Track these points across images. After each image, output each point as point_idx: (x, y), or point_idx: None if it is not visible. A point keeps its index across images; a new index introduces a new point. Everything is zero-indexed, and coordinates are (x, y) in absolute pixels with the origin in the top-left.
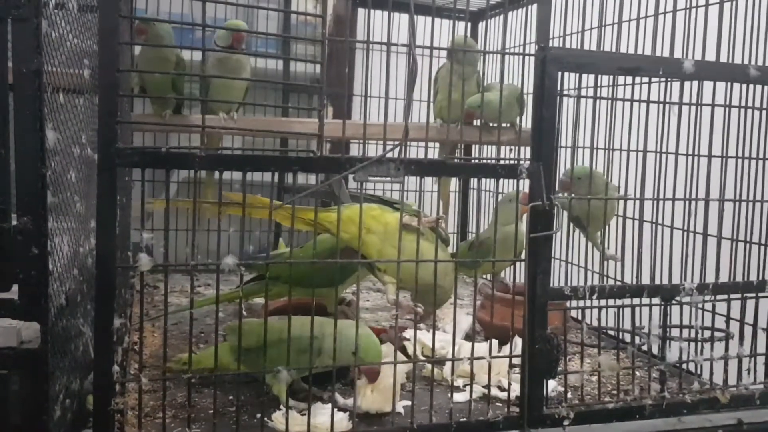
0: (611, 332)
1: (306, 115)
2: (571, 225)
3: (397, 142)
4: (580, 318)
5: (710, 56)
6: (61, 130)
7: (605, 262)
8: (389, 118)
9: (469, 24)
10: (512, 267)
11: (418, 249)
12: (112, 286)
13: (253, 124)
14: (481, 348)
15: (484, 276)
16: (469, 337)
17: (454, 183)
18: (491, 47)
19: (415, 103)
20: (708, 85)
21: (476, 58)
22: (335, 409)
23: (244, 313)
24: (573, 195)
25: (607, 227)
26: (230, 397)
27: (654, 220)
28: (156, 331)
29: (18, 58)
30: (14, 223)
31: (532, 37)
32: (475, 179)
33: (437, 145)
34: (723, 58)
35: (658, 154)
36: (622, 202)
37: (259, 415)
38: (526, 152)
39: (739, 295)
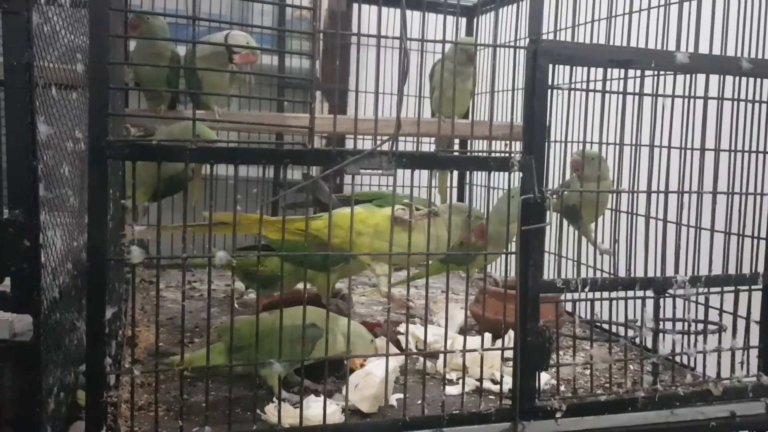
0: (604, 325)
1: (301, 111)
2: (563, 220)
3: (387, 138)
4: (573, 310)
5: (703, 50)
6: (54, 124)
7: (598, 256)
8: (383, 114)
9: (464, 20)
10: (505, 260)
11: (410, 242)
12: (104, 278)
13: (246, 119)
14: (474, 341)
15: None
16: (463, 331)
17: (449, 181)
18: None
19: (409, 98)
20: (701, 79)
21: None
22: (327, 402)
23: (237, 306)
24: (582, 174)
25: (600, 218)
26: (224, 388)
27: (647, 214)
28: (151, 326)
29: (8, 51)
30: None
31: (524, 33)
32: (475, 179)
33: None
34: (715, 52)
35: (650, 148)
36: (615, 195)
37: (251, 409)
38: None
39: (732, 288)
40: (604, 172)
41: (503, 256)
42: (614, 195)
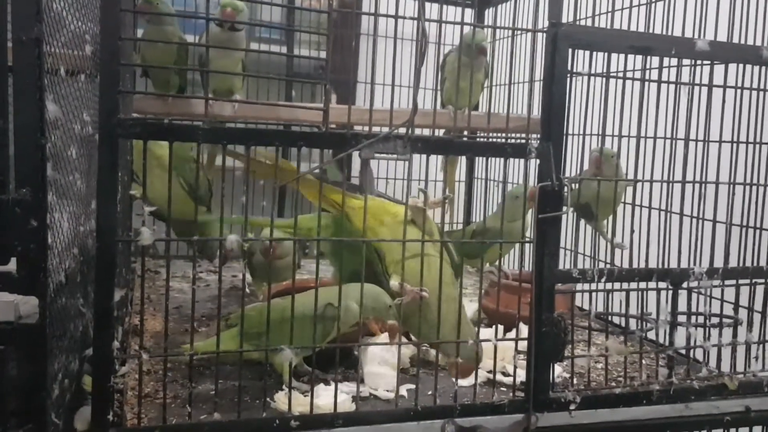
0: (615, 318)
1: (309, 102)
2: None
3: (403, 122)
4: (588, 302)
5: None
6: (62, 104)
7: (613, 250)
8: (395, 105)
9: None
10: (519, 252)
11: (424, 228)
12: (113, 259)
13: (257, 108)
14: (487, 333)
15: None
16: (473, 323)
17: (458, 174)
18: (499, 33)
19: (421, 90)
20: (720, 69)
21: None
22: (338, 391)
23: (248, 290)
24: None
25: (614, 214)
26: (231, 376)
27: (661, 207)
28: (156, 315)
29: (17, 26)
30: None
31: (540, 24)
32: (483, 172)
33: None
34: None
35: (667, 140)
36: (631, 189)
37: (260, 398)
38: None
39: (748, 281)
40: (621, 171)
41: (514, 251)
42: (631, 188)
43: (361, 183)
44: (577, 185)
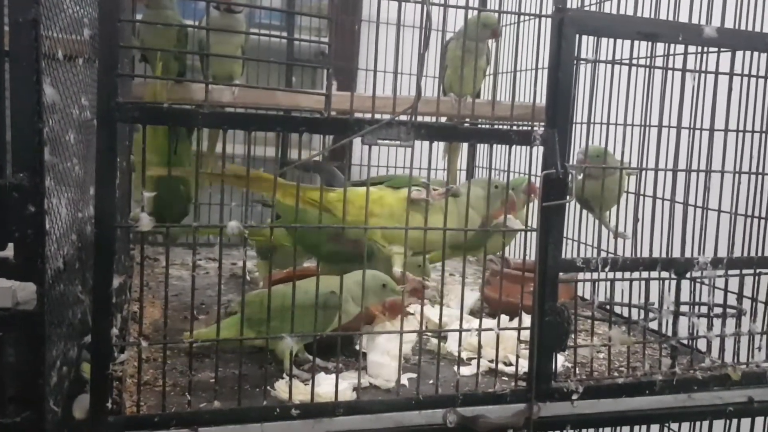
0: (618, 308)
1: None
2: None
3: (407, 108)
4: (591, 291)
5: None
6: (60, 88)
7: (616, 240)
8: (396, 93)
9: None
10: (521, 241)
11: (426, 217)
12: (112, 244)
13: (256, 95)
14: (489, 323)
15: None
16: (473, 312)
17: (459, 163)
18: (505, 18)
19: (423, 78)
20: (727, 57)
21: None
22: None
23: (248, 277)
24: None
25: (622, 202)
26: (231, 364)
27: (666, 196)
28: (155, 302)
29: (14, 8)
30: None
31: (546, 9)
32: (486, 161)
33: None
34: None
35: (672, 129)
36: (635, 178)
37: (260, 386)
38: None
39: (752, 271)
40: (615, 162)
41: (515, 241)
42: (635, 177)
43: (328, 182)
44: (580, 176)
